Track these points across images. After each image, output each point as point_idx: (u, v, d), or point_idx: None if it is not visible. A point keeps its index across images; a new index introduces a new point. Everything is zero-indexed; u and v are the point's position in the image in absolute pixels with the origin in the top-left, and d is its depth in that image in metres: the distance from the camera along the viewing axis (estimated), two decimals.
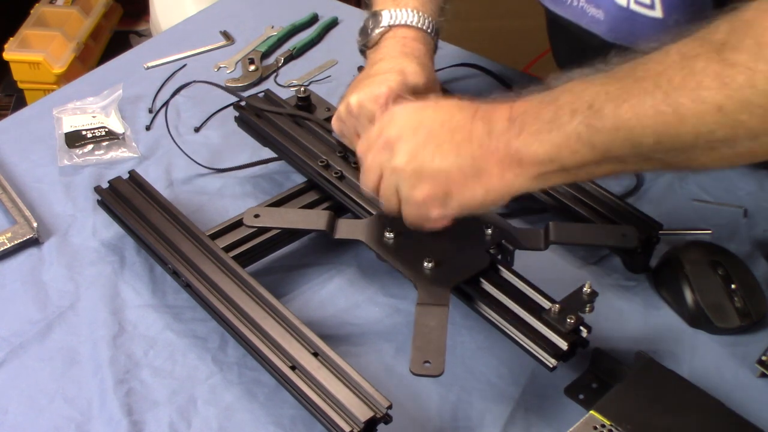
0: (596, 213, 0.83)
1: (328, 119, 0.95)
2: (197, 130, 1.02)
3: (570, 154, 0.63)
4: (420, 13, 0.85)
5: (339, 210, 0.86)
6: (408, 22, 0.85)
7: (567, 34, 0.95)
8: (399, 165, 0.69)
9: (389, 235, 0.76)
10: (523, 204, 0.90)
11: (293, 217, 0.79)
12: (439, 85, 0.87)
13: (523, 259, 0.77)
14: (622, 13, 0.85)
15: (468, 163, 0.66)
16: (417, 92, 0.80)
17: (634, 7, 0.84)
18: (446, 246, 0.74)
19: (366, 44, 0.87)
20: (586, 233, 0.80)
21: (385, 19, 0.85)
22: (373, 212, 0.81)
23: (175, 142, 0.99)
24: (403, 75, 0.80)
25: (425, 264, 0.73)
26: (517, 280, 0.73)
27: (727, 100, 0.56)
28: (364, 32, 0.88)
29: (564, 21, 0.92)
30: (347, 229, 0.77)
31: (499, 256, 0.76)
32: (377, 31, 0.86)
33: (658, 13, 0.82)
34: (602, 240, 0.79)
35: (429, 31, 0.86)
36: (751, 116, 0.56)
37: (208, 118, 1.03)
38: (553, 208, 0.86)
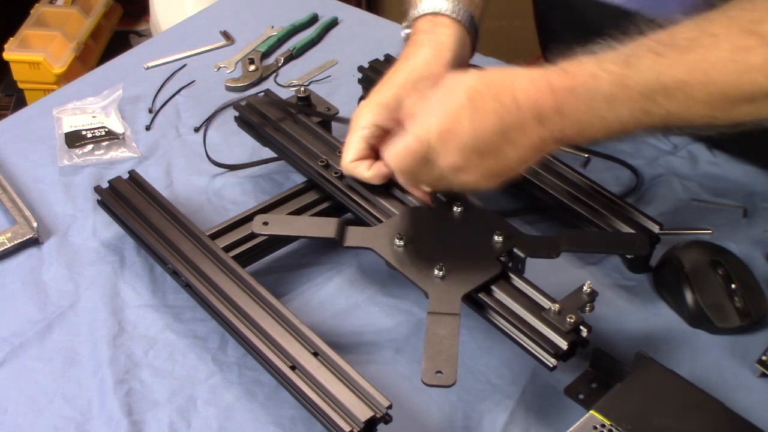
0: (596, 213, 0.83)
1: (325, 122, 0.95)
2: (197, 129, 1.02)
3: (622, 132, 0.67)
4: (455, 2, 0.83)
5: (339, 210, 0.86)
6: (438, 11, 0.83)
7: (562, 11, 0.94)
8: (467, 180, 0.71)
9: (399, 243, 0.75)
10: (523, 204, 0.90)
11: (302, 225, 0.79)
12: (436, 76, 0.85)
13: None
14: None
15: (529, 153, 0.70)
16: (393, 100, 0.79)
17: None
18: (457, 254, 0.74)
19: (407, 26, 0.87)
20: (597, 241, 0.80)
21: (418, 9, 0.84)
22: (374, 212, 0.81)
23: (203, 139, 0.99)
24: (412, 71, 0.80)
25: (436, 272, 0.72)
26: (527, 287, 0.73)
27: None
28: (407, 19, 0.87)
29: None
30: (357, 236, 0.77)
31: (510, 264, 0.76)
32: (407, 21, 0.85)
33: None
34: (614, 248, 0.79)
35: (460, 19, 0.84)
36: None
37: (209, 118, 1.03)
38: (552, 208, 0.86)
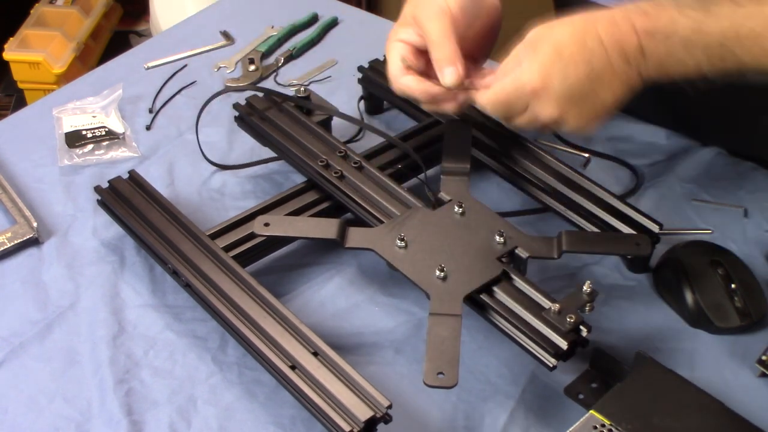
0: (596, 213, 0.83)
1: (325, 122, 0.95)
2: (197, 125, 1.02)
3: (700, 73, 0.69)
4: None
5: (339, 210, 0.86)
6: None
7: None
8: (574, 126, 0.74)
9: (400, 243, 0.75)
10: (522, 204, 0.90)
11: (303, 226, 0.79)
12: (499, 13, 0.86)
13: None
14: None
15: (623, 94, 0.72)
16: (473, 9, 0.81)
17: None
18: (458, 255, 0.74)
19: None
20: (599, 241, 0.80)
21: None
22: (374, 213, 0.81)
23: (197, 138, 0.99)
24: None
25: (437, 273, 0.72)
26: (528, 287, 0.73)
27: None
28: None
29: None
30: (358, 237, 0.77)
31: (512, 265, 0.75)
32: None
33: None
34: (615, 248, 0.79)
35: None
36: None
37: (202, 108, 1.03)
38: (552, 208, 0.86)
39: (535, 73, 0.71)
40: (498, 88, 0.74)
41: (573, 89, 0.71)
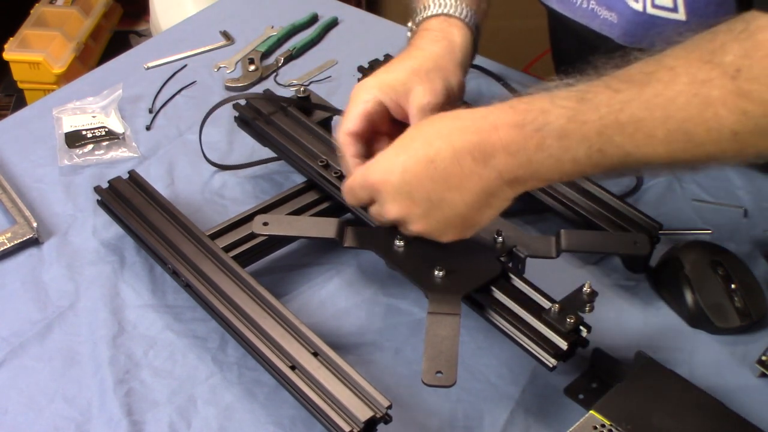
0: (596, 213, 0.83)
1: (325, 122, 0.95)
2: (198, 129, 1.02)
3: (579, 174, 0.64)
4: (466, 8, 0.83)
5: (339, 210, 0.86)
6: (451, 13, 0.82)
7: (572, 37, 0.93)
8: (419, 230, 0.70)
9: (399, 243, 0.75)
10: (522, 204, 0.90)
11: (302, 225, 0.79)
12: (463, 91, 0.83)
13: None
14: (637, 17, 0.84)
15: (476, 199, 0.66)
16: (398, 83, 0.78)
17: (651, 11, 0.82)
18: (457, 254, 0.74)
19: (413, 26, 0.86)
20: (597, 241, 0.80)
21: (431, 10, 0.83)
22: None
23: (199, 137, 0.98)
24: (386, 71, 0.79)
25: (436, 272, 0.72)
26: (527, 287, 0.73)
27: (743, 128, 0.56)
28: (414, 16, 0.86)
29: (571, 23, 0.91)
30: (357, 237, 0.77)
31: (510, 264, 0.76)
32: (415, 19, 0.84)
33: (681, 15, 0.81)
34: (614, 248, 0.79)
35: (469, 24, 0.83)
36: (764, 139, 0.57)
37: (205, 118, 1.03)
38: (552, 209, 0.86)
39: (380, 166, 0.69)
40: (351, 177, 0.73)
41: (412, 187, 0.67)
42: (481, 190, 0.66)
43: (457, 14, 0.82)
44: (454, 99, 0.79)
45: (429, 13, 0.84)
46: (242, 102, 0.95)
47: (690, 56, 0.58)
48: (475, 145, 0.64)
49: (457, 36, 0.81)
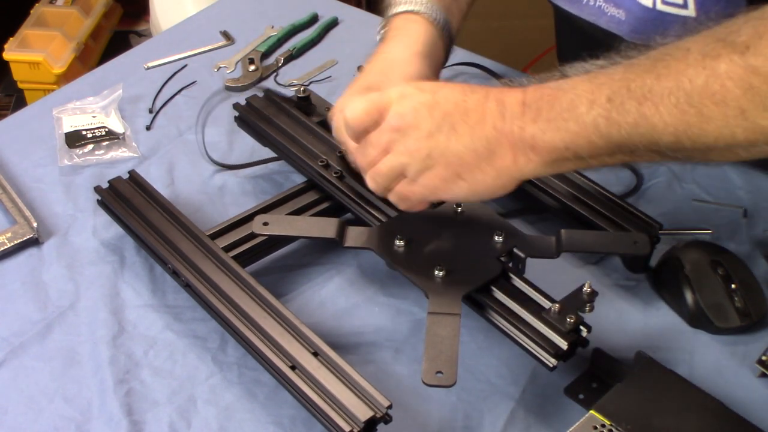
0: (596, 213, 0.83)
1: (325, 122, 0.95)
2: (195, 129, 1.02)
3: (585, 143, 0.63)
4: (431, 5, 0.84)
5: (339, 210, 0.86)
6: (412, 10, 0.84)
7: (578, 35, 0.93)
8: (413, 146, 0.68)
9: (399, 243, 0.75)
10: (523, 204, 0.90)
11: (302, 225, 0.79)
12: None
13: None
14: (647, 14, 0.84)
15: (482, 144, 0.66)
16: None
17: (661, 7, 0.83)
18: (457, 254, 0.74)
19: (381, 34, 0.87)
20: (597, 241, 0.79)
21: (394, 10, 0.85)
22: (374, 213, 0.81)
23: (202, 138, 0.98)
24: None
25: (436, 272, 0.72)
26: (527, 287, 0.73)
27: (750, 104, 0.56)
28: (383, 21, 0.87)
29: (578, 21, 0.91)
30: (357, 237, 0.77)
31: (510, 264, 0.76)
32: (383, 21, 0.86)
33: (691, 11, 0.81)
34: (614, 248, 0.79)
35: (432, 19, 0.84)
36: None
37: (206, 115, 1.03)
38: (552, 208, 0.86)
39: (415, 84, 0.70)
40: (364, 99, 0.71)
41: (437, 103, 0.67)
42: (488, 138, 0.66)
43: (418, 11, 0.84)
44: None
45: (392, 12, 0.86)
46: (242, 102, 0.95)
47: (706, 37, 0.59)
48: (503, 95, 0.66)
49: (415, 30, 0.83)
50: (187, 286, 0.77)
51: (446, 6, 0.86)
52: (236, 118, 0.96)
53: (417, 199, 0.72)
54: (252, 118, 0.92)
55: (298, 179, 0.90)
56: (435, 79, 0.84)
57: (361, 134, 0.71)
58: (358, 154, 0.73)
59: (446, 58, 0.88)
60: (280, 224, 0.78)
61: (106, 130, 1.01)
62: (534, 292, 0.72)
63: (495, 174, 0.67)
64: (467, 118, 0.66)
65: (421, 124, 0.67)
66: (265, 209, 0.84)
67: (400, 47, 0.82)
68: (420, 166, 0.68)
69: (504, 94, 0.67)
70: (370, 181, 0.73)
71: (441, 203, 0.80)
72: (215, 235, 0.81)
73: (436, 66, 0.84)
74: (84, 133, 1.00)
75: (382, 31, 0.87)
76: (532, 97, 0.65)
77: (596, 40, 0.89)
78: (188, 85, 1.10)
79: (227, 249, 0.79)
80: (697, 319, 0.78)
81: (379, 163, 0.71)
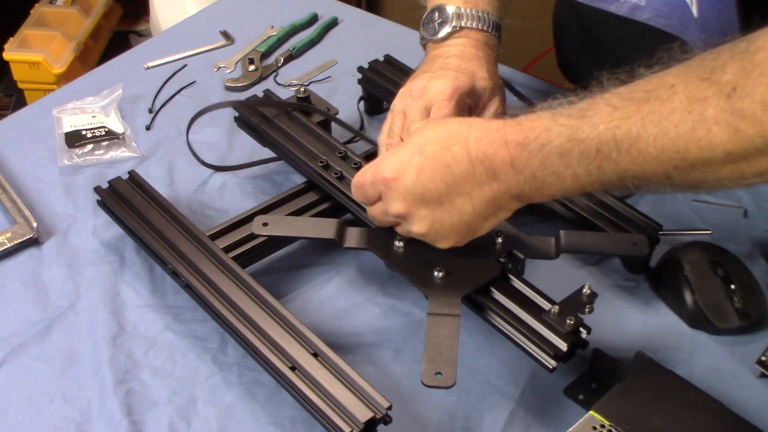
0: (596, 214, 0.83)
1: (325, 123, 0.95)
2: (188, 128, 1.02)
3: (579, 189, 0.65)
4: (489, 15, 0.85)
5: (339, 211, 0.86)
6: (478, 27, 0.84)
7: (578, 28, 0.93)
8: (420, 230, 0.71)
9: (399, 243, 0.75)
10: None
11: (302, 226, 0.79)
12: (503, 89, 0.86)
13: None
14: None
15: (484, 208, 0.68)
16: (482, 96, 0.81)
17: None
18: (457, 255, 0.74)
19: (431, 38, 0.86)
20: (596, 241, 0.80)
21: (454, 18, 0.84)
22: None
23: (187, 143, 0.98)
24: (472, 78, 0.80)
25: (435, 273, 0.72)
26: (526, 288, 0.73)
27: (736, 147, 0.56)
28: (429, 25, 0.86)
29: (584, 9, 0.90)
30: (356, 238, 0.77)
31: (510, 265, 0.75)
32: (446, 29, 0.84)
33: (694, 10, 0.82)
34: (613, 248, 0.79)
35: (494, 33, 0.85)
36: (759, 160, 0.56)
37: (195, 117, 1.03)
38: (552, 209, 0.86)
39: (393, 164, 0.70)
40: (360, 171, 0.74)
41: (425, 188, 0.68)
42: (490, 200, 0.68)
43: (471, 25, 0.84)
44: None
45: (442, 31, 0.85)
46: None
47: (690, 74, 0.58)
48: (488, 156, 0.66)
49: (478, 69, 0.82)
50: (187, 287, 0.77)
51: (493, 7, 0.86)
52: (236, 119, 0.96)
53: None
54: (252, 119, 0.92)
55: (298, 179, 0.90)
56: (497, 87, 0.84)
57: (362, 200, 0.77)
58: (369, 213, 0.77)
59: (499, 45, 0.88)
60: (279, 225, 0.78)
61: (106, 130, 1.01)
62: (533, 293, 0.72)
63: (499, 218, 0.70)
64: (461, 190, 0.68)
65: (418, 212, 0.70)
66: (265, 210, 0.84)
67: (457, 61, 0.82)
68: (432, 238, 0.72)
69: (487, 151, 0.66)
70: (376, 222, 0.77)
71: None
72: (215, 236, 0.81)
73: (497, 77, 0.85)
74: (84, 133, 1.00)
75: (442, 34, 0.85)
76: (519, 160, 0.65)
77: (596, 38, 0.89)
78: (188, 85, 1.10)
79: (227, 250, 0.79)
80: (697, 319, 0.79)
81: (398, 229, 0.75)
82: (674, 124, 0.57)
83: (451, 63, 0.81)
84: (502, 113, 0.83)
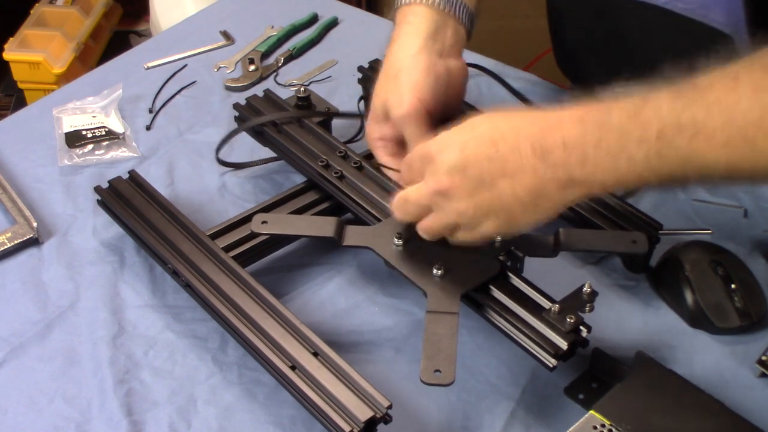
0: (596, 213, 0.83)
1: (325, 122, 0.95)
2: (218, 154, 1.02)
3: (635, 178, 0.62)
4: None
5: (339, 210, 0.86)
6: (409, 2, 0.83)
7: (583, 17, 0.91)
8: (459, 208, 0.68)
9: (398, 242, 0.75)
10: None
11: (301, 224, 0.79)
12: (466, 70, 0.85)
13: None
14: None
15: (525, 194, 0.65)
16: (439, 81, 0.81)
17: None
18: (456, 253, 0.74)
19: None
20: (596, 239, 0.79)
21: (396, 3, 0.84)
22: (373, 212, 0.81)
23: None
24: (424, 72, 0.80)
25: (435, 271, 0.72)
26: (525, 286, 0.73)
27: None
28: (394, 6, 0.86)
29: None
30: (355, 236, 0.77)
31: (509, 263, 0.75)
32: (396, 7, 0.85)
33: None
34: (612, 246, 0.79)
35: (454, 13, 0.84)
36: None
37: (227, 138, 1.03)
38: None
39: (440, 140, 0.69)
40: (410, 153, 0.73)
41: (468, 162, 0.66)
42: (532, 186, 0.65)
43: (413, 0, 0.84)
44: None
45: (394, 7, 0.85)
46: (242, 102, 0.95)
47: (754, 65, 0.57)
48: (538, 136, 0.64)
49: (415, 25, 0.82)
50: (187, 286, 0.77)
51: None
52: (236, 118, 0.96)
53: (477, 242, 0.71)
54: (252, 118, 0.92)
55: (298, 179, 0.90)
56: (453, 57, 0.83)
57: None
58: (399, 209, 0.74)
59: (469, 29, 0.87)
60: (278, 223, 0.78)
61: (106, 130, 1.01)
62: (534, 292, 0.72)
63: (543, 212, 0.67)
64: (504, 170, 0.65)
65: (461, 184, 0.67)
66: (265, 209, 0.84)
67: (402, 51, 0.82)
68: (470, 222, 0.69)
69: (540, 135, 0.64)
70: (423, 234, 0.73)
71: None
72: (215, 235, 0.81)
73: (451, 47, 0.83)
74: (84, 133, 1.00)
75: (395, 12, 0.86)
76: (573, 138, 0.63)
77: (606, 27, 0.87)
78: (188, 85, 1.10)
79: (227, 249, 0.79)
80: (697, 319, 0.78)
81: (429, 222, 0.71)
82: (741, 112, 0.56)
83: (398, 61, 0.82)
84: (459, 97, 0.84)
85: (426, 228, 0.72)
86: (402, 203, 0.73)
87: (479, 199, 0.67)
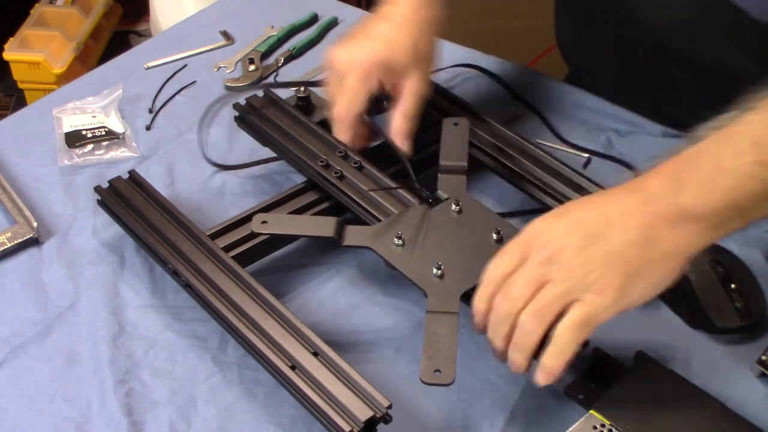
0: None
1: (325, 122, 0.95)
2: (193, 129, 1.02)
3: (747, 194, 0.60)
4: None
5: (339, 210, 0.86)
6: None
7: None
8: (569, 267, 0.63)
9: (398, 242, 0.75)
10: (522, 204, 0.90)
11: (301, 224, 0.79)
12: (429, 63, 0.88)
13: None
14: None
15: (636, 235, 0.62)
16: (400, 65, 0.84)
17: None
18: (456, 253, 0.74)
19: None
20: None
21: None
22: (373, 212, 0.81)
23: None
24: (389, 47, 0.83)
25: (435, 271, 0.72)
26: None
27: None
28: None
29: None
30: (355, 235, 0.77)
31: None
32: None
33: None
34: None
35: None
36: None
37: (204, 117, 1.03)
38: (552, 208, 0.86)
39: (528, 227, 0.66)
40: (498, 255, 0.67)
41: (568, 212, 0.66)
42: (640, 226, 0.62)
43: None
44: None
45: None
46: (242, 102, 0.95)
47: None
48: (635, 186, 0.64)
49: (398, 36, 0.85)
50: (187, 286, 0.77)
51: None
52: (236, 118, 0.96)
53: (598, 322, 0.64)
54: (252, 118, 0.92)
55: (298, 179, 0.90)
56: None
57: (500, 280, 0.66)
58: (500, 302, 0.65)
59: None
60: (278, 223, 0.79)
61: (106, 130, 1.01)
62: None
63: (663, 259, 0.63)
64: (610, 219, 0.63)
65: (568, 244, 0.63)
66: (265, 209, 0.84)
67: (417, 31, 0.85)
68: (585, 283, 0.63)
69: (637, 182, 0.64)
70: (529, 322, 0.64)
71: (439, 201, 0.80)
72: (215, 235, 0.81)
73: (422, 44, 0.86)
74: (84, 133, 1.00)
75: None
76: (670, 171, 0.62)
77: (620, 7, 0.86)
78: (188, 85, 1.10)
79: (227, 249, 0.79)
80: (697, 319, 0.78)
81: (536, 299, 0.64)
82: None
83: (373, 30, 0.85)
84: (421, 92, 0.86)
85: (533, 311, 0.64)
86: (505, 289, 0.65)
87: (589, 253, 0.63)
